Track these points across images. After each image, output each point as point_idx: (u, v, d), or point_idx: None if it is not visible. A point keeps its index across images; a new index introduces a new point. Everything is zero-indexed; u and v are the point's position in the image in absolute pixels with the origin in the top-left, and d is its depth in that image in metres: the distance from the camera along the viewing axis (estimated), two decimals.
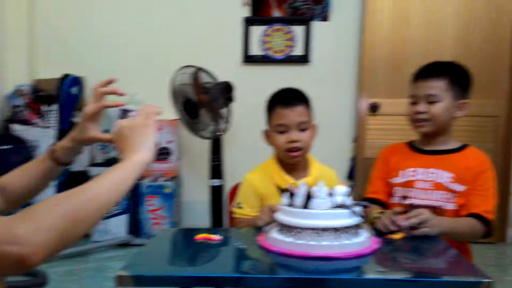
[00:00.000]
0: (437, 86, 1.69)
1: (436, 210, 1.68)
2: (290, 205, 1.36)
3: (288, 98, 1.73)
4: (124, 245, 3.43)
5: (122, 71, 3.72)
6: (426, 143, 1.79)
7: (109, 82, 1.21)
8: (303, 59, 3.71)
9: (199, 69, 2.97)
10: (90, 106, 1.19)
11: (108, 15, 3.82)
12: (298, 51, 3.72)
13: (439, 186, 1.71)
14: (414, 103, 1.75)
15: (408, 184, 1.75)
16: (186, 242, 1.46)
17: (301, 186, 1.33)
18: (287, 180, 1.73)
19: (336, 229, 1.28)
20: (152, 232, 3.51)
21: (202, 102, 3.00)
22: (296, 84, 1.83)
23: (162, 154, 3.59)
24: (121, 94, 1.20)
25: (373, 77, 3.59)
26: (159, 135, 1.01)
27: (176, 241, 1.49)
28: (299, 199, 1.33)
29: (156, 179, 3.52)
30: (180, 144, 3.71)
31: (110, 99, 1.22)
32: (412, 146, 1.84)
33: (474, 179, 1.68)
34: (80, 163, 3.52)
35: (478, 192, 1.68)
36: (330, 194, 1.33)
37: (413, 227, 1.49)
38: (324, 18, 3.70)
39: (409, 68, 3.56)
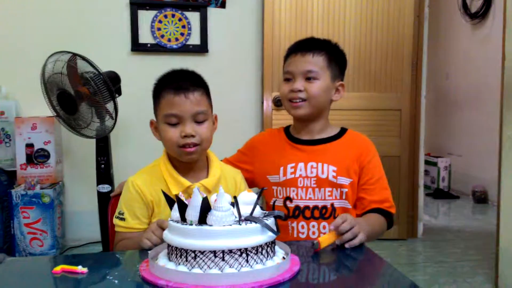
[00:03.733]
0: (316, 62, 1.53)
1: (323, 211, 1.52)
2: (181, 220, 1.02)
3: (181, 82, 1.37)
4: None
5: None
6: (302, 130, 1.61)
7: None
8: (200, 49, 3.37)
9: (76, 56, 2.51)
10: None
11: None
12: (195, 40, 3.37)
13: (323, 182, 1.52)
14: (288, 80, 1.56)
15: (290, 183, 1.54)
16: (39, 278, 1.06)
17: (195, 194, 0.99)
18: (181, 183, 1.39)
19: (244, 251, 0.96)
20: (31, 250, 2.99)
21: (82, 95, 2.54)
22: None
23: (38, 157, 3.06)
24: None
25: (276, 70, 3.34)
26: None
27: (26, 276, 1.08)
28: (193, 212, 0.98)
29: (31, 186, 2.99)
30: (59, 145, 3.21)
31: None
32: (289, 135, 1.64)
33: (361, 172, 1.54)
34: None
35: (370, 187, 1.54)
36: (233, 204, 1.01)
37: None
38: (221, 5, 3.40)
39: None
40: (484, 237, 3.45)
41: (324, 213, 1.52)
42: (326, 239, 1.20)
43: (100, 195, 2.84)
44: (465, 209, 4.52)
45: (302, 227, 1.52)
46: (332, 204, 1.52)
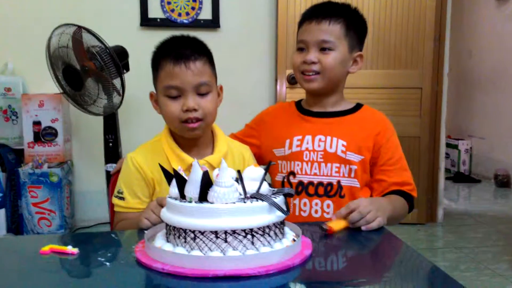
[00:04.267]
0: (332, 31, 1.39)
1: (328, 188, 1.39)
2: (180, 197, 0.91)
3: (181, 50, 1.25)
4: None
5: None
6: (314, 104, 1.48)
7: None
8: (212, 24, 3.25)
9: (82, 29, 2.41)
10: None
11: None
12: (206, 14, 3.24)
13: (331, 157, 1.40)
14: (301, 50, 1.42)
15: (295, 157, 1.42)
16: (25, 257, 0.96)
17: (195, 168, 0.89)
18: (184, 159, 1.29)
19: (249, 232, 0.86)
20: (39, 229, 2.94)
21: (88, 69, 2.44)
22: None
23: (46, 135, 2.99)
24: None
25: (291, 47, 3.20)
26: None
27: (12, 256, 0.99)
28: (192, 188, 0.88)
29: (38, 165, 2.92)
30: (68, 123, 3.12)
31: None
32: (300, 107, 1.52)
33: (378, 151, 1.41)
34: None
35: (390, 167, 1.41)
36: (238, 180, 0.90)
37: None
38: None
39: None
40: (507, 222, 3.31)
41: (329, 191, 1.39)
42: (337, 224, 1.09)
43: (109, 174, 2.75)
44: (486, 193, 4.36)
45: (304, 204, 1.40)
46: (338, 182, 1.39)
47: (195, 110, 1.24)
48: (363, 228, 1.10)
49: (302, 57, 1.41)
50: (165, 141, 1.33)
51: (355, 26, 1.44)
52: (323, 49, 1.38)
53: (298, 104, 1.54)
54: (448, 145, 4.99)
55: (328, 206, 1.39)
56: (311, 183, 1.40)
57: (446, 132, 3.63)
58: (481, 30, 5.01)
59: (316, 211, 1.40)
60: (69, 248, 0.94)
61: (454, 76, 5.23)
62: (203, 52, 1.28)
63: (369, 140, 1.41)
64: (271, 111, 1.60)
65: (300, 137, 1.43)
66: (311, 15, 1.41)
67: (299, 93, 3.16)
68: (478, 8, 5.03)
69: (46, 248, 0.95)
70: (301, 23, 1.45)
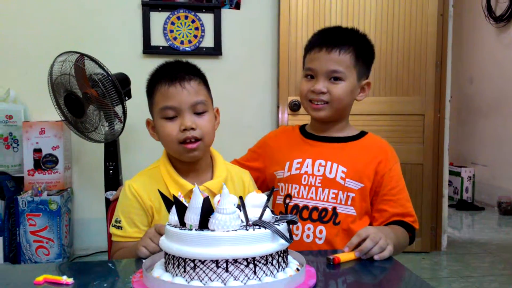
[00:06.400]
0: (342, 61, 1.37)
1: (323, 214, 1.36)
2: (180, 224, 0.88)
3: (176, 72, 1.25)
4: None
5: None
6: (320, 129, 1.46)
7: None
8: (214, 51, 3.26)
9: (85, 56, 2.42)
10: None
11: None
12: (208, 42, 3.27)
13: (329, 183, 1.37)
14: (309, 77, 1.40)
15: (293, 179, 1.40)
16: None
17: (195, 194, 0.86)
18: (183, 186, 1.26)
19: (252, 261, 0.83)
20: (37, 258, 2.88)
21: (90, 97, 2.44)
22: (208, 79, 1.35)
23: (46, 162, 2.96)
24: None
25: (293, 74, 3.21)
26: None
27: (4, 286, 0.95)
28: (193, 215, 0.85)
29: (38, 193, 2.89)
30: (68, 151, 3.11)
31: None
32: (303, 131, 1.50)
33: (381, 180, 1.38)
34: None
35: (393, 197, 1.38)
36: (240, 206, 0.87)
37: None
38: (236, 6, 3.29)
39: None
40: None
41: (323, 216, 1.36)
42: (345, 255, 1.06)
43: (109, 202, 2.72)
44: (490, 221, 4.30)
45: (297, 228, 1.37)
46: (334, 208, 1.36)
47: (192, 129, 1.23)
48: (376, 257, 1.07)
49: (310, 85, 1.39)
50: (163, 167, 1.30)
51: (364, 54, 1.42)
52: (332, 79, 1.37)
53: (302, 128, 1.52)
54: (450, 173, 4.95)
55: (321, 231, 1.35)
56: (306, 207, 1.38)
57: (449, 159, 3.62)
58: (481, 57, 5.04)
59: (308, 236, 1.36)
60: (64, 278, 0.91)
61: (456, 103, 5.24)
62: (197, 74, 1.29)
63: (370, 168, 1.38)
64: (273, 135, 1.59)
65: (300, 160, 1.42)
66: (321, 43, 1.39)
67: (301, 120, 3.15)
68: (478, 35, 5.06)
69: (40, 279, 0.92)
70: (309, 49, 1.42)
